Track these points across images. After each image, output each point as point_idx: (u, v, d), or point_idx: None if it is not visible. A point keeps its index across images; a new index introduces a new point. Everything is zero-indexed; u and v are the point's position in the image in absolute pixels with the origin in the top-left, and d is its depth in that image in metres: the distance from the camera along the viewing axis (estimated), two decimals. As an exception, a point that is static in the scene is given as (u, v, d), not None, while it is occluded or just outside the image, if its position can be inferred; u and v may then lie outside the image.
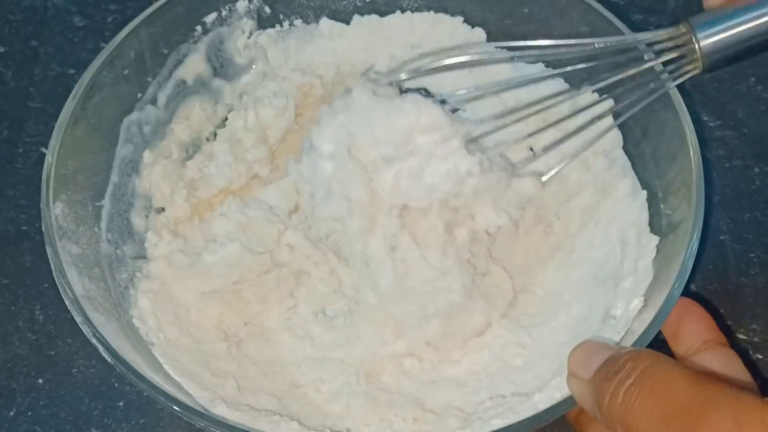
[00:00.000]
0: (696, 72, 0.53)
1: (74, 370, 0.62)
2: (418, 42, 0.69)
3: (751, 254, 0.67)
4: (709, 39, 0.52)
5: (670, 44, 0.54)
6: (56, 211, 0.54)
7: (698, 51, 0.52)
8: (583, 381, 0.46)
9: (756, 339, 0.64)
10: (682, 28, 0.53)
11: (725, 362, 0.53)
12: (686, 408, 0.39)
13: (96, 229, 0.58)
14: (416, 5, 0.68)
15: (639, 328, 0.50)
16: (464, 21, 0.68)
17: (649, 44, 0.55)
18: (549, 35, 0.65)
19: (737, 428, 0.38)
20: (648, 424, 0.41)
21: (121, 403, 0.60)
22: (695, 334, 0.54)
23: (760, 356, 0.63)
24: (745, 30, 0.52)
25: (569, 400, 0.48)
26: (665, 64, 0.55)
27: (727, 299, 0.64)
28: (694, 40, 0.53)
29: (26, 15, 0.78)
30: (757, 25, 0.51)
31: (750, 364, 0.53)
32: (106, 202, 0.59)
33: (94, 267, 0.55)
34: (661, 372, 0.42)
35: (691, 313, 0.55)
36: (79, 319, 0.50)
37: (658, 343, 0.54)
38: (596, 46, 0.57)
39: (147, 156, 0.63)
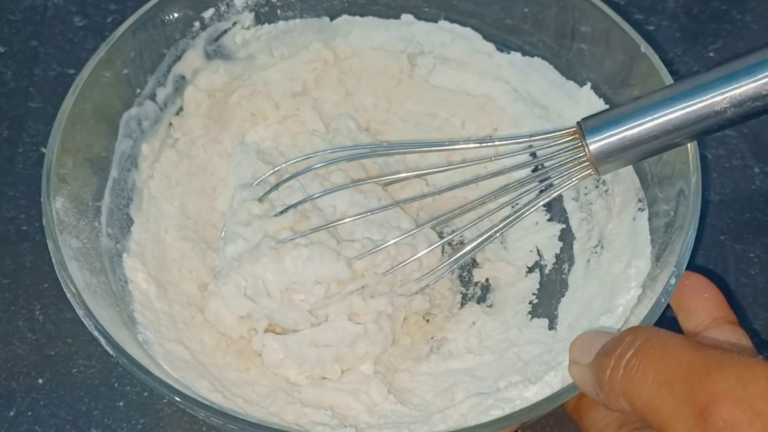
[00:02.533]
0: (590, 174, 0.54)
1: (74, 370, 0.61)
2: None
3: (751, 254, 0.67)
4: (599, 144, 0.52)
5: (560, 147, 0.55)
6: (57, 205, 0.54)
7: (589, 155, 0.53)
8: (583, 366, 0.46)
9: (756, 339, 0.64)
10: (574, 132, 0.54)
11: (733, 340, 0.53)
12: (689, 371, 0.40)
13: (96, 224, 0.58)
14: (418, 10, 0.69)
15: (638, 317, 0.51)
16: (465, 21, 0.68)
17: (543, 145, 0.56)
18: (549, 35, 0.65)
19: (742, 386, 0.38)
20: (651, 391, 0.41)
21: (121, 403, 0.60)
22: (705, 311, 0.55)
23: (760, 357, 0.63)
24: (634, 134, 0.51)
25: (567, 390, 0.48)
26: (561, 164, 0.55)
27: (727, 299, 0.64)
28: (584, 144, 0.53)
29: (26, 15, 0.78)
30: (646, 128, 0.51)
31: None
32: (106, 197, 0.59)
33: (94, 261, 0.55)
34: (661, 341, 0.42)
35: (702, 289, 0.55)
36: (81, 312, 0.50)
37: (669, 321, 0.54)
38: (495, 144, 0.61)
39: (145, 149, 0.63)
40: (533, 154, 0.62)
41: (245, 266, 0.58)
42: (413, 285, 0.60)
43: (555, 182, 0.56)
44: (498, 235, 0.59)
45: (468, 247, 0.59)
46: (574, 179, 0.55)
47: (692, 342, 0.41)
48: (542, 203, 0.58)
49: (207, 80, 0.66)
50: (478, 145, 0.62)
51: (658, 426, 0.41)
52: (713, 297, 0.55)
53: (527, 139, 0.60)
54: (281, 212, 0.60)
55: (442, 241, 0.61)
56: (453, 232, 0.62)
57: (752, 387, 0.38)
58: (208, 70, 0.66)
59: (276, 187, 0.61)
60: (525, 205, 0.58)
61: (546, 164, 0.57)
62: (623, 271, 0.57)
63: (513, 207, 0.61)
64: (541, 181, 0.58)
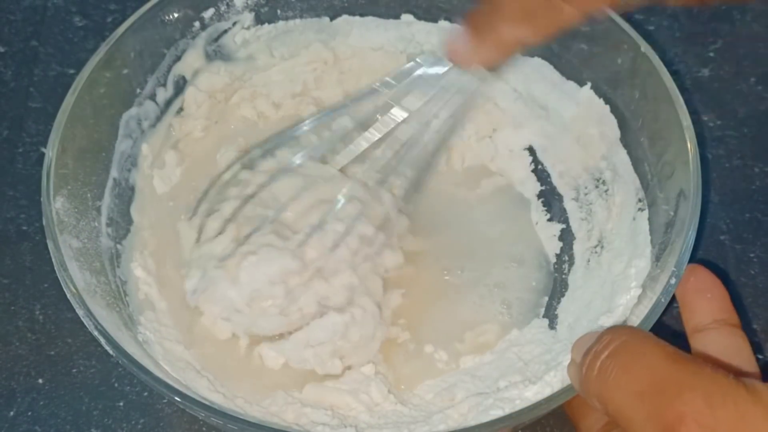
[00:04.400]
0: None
1: (74, 370, 0.61)
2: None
3: (751, 254, 0.67)
4: None
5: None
6: (57, 205, 0.54)
7: None
8: (576, 364, 0.46)
9: (756, 339, 0.64)
10: None
11: (730, 343, 0.53)
12: (662, 386, 0.40)
13: (96, 224, 0.58)
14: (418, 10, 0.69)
15: (638, 317, 0.51)
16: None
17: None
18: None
19: (709, 409, 0.38)
20: (622, 398, 0.41)
21: (121, 403, 0.60)
22: (707, 312, 0.55)
23: (760, 356, 0.63)
24: None
25: (567, 390, 0.48)
26: None
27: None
28: None
29: (26, 15, 0.78)
30: None
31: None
32: (106, 197, 0.60)
33: (94, 261, 0.56)
34: (638, 347, 0.42)
35: (707, 288, 0.56)
36: (81, 312, 0.50)
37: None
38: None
39: (145, 149, 0.63)
40: None
41: (207, 295, 0.58)
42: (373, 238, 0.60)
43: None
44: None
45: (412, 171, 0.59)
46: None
47: (669, 352, 0.41)
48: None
49: (207, 81, 0.66)
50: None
51: None
52: (716, 297, 0.55)
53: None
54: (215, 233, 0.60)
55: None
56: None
57: (719, 411, 0.38)
58: (208, 71, 0.66)
59: (200, 202, 0.61)
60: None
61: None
62: (623, 271, 0.57)
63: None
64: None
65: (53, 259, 0.52)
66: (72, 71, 0.74)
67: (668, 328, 0.60)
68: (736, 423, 0.38)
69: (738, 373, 0.40)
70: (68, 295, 0.51)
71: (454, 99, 0.56)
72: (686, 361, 0.41)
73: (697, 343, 0.54)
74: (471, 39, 0.51)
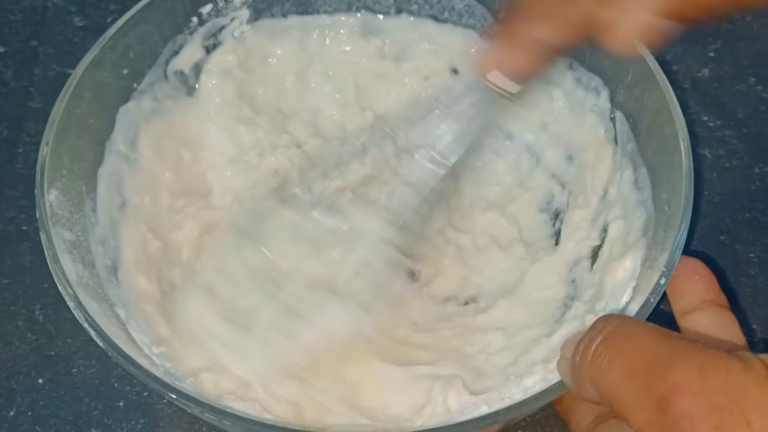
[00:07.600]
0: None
1: (74, 370, 0.62)
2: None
3: (751, 254, 0.67)
4: None
5: None
6: (51, 198, 0.54)
7: None
8: (567, 359, 0.46)
9: (756, 339, 0.63)
10: None
11: (719, 323, 0.53)
12: (653, 361, 0.40)
13: (90, 217, 0.57)
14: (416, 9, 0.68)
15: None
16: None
17: None
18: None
19: (701, 378, 0.38)
20: (615, 379, 0.41)
21: (121, 403, 0.60)
22: (694, 294, 0.55)
23: (745, 340, 0.62)
24: None
25: (554, 388, 0.48)
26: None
27: (727, 299, 0.64)
28: None
29: (26, 15, 0.79)
30: None
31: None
32: (101, 190, 0.59)
33: (87, 254, 0.55)
34: (630, 330, 0.42)
35: (693, 272, 0.56)
36: (71, 305, 0.50)
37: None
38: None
39: (142, 143, 0.62)
40: None
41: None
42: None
43: None
44: None
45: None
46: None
47: (660, 332, 0.41)
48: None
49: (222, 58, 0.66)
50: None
51: (622, 413, 0.41)
52: (703, 280, 0.55)
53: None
54: None
55: None
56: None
57: (711, 379, 0.38)
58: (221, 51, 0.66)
59: None
60: None
61: None
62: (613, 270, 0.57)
63: None
64: None
65: (45, 252, 0.51)
66: (72, 71, 0.74)
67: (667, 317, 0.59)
68: (729, 389, 0.38)
69: (728, 349, 0.40)
70: (59, 287, 0.50)
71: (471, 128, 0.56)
72: (677, 338, 0.41)
73: (685, 324, 0.54)
74: (494, 45, 0.51)
